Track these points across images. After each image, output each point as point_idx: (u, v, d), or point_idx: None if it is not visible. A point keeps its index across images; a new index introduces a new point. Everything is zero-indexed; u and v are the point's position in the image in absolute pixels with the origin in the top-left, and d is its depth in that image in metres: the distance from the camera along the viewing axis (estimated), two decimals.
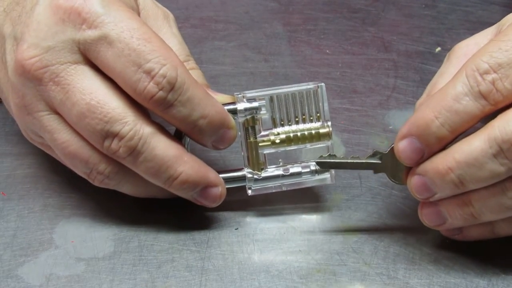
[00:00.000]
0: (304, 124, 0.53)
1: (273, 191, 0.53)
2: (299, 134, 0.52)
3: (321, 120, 0.53)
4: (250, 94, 0.52)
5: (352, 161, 0.51)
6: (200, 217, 0.53)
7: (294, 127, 0.53)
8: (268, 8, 0.77)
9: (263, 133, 0.53)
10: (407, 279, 0.49)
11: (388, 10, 0.77)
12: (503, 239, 0.51)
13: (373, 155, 0.51)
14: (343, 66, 0.69)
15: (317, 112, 0.52)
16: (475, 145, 0.46)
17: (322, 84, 0.52)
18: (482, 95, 0.46)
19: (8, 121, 0.61)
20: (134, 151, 0.49)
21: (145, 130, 0.49)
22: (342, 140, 0.60)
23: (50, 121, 0.50)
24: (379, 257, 0.51)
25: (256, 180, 0.53)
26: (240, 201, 0.54)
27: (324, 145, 0.53)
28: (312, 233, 0.52)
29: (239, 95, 0.52)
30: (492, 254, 0.51)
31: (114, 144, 0.48)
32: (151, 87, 0.48)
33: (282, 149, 0.53)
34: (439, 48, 0.71)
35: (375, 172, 0.51)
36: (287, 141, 0.53)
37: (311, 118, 0.53)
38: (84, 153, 0.50)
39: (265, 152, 0.53)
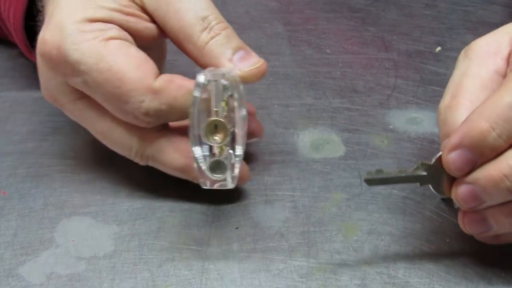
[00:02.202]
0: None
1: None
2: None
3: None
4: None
5: (399, 175, 0.48)
6: (200, 216, 0.53)
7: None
8: (269, 8, 0.77)
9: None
10: (408, 278, 0.49)
11: (389, 10, 0.77)
12: None
13: (419, 166, 0.48)
14: (344, 66, 0.69)
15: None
16: None
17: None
18: None
19: (9, 120, 0.61)
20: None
21: (148, 153, 0.52)
22: (342, 139, 0.60)
23: None
24: (379, 256, 0.51)
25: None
26: (240, 200, 0.54)
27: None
28: (312, 232, 0.52)
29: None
30: (493, 254, 0.51)
31: None
32: (141, 122, 0.50)
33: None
34: (439, 48, 0.71)
35: (421, 184, 0.48)
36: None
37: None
38: None
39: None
